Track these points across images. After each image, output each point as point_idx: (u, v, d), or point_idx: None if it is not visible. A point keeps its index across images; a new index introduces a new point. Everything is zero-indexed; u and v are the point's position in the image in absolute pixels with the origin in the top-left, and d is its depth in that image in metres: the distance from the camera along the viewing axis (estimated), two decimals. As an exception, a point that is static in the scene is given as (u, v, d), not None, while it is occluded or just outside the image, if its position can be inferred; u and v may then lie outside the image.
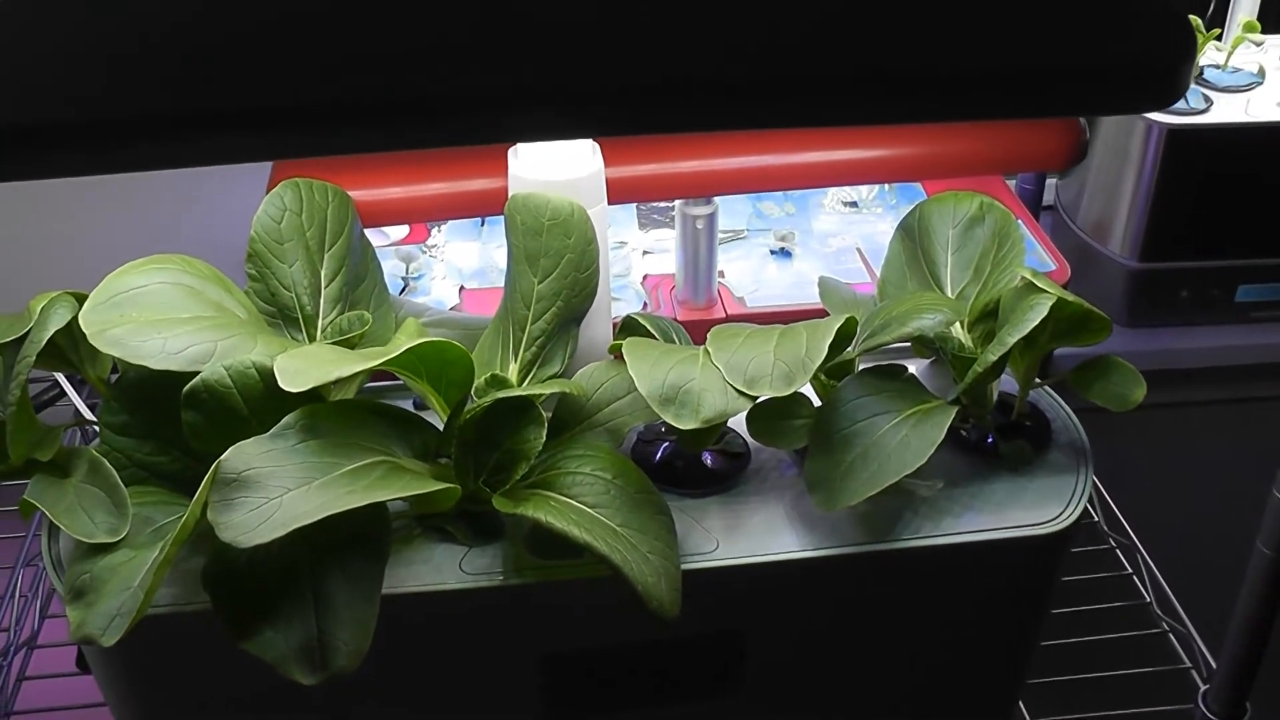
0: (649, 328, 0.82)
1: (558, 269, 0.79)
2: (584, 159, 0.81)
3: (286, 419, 0.69)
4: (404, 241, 1.20)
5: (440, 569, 0.76)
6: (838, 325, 0.74)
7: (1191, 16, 0.88)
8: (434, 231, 1.21)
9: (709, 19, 0.60)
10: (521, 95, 0.60)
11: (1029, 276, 0.79)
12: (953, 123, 0.82)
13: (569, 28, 0.60)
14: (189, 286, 0.75)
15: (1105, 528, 1.10)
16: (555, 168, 0.81)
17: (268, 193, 0.82)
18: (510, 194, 0.81)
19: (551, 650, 0.80)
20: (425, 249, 1.19)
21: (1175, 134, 1.25)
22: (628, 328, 0.83)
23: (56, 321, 0.73)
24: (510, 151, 0.83)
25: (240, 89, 0.61)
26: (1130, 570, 1.07)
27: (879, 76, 0.60)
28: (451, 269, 1.16)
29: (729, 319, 1.07)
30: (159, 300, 0.74)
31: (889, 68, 0.61)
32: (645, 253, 1.18)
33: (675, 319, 1.08)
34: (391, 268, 1.14)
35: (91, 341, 0.71)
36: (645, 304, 1.11)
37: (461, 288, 1.14)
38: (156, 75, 0.61)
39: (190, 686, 0.80)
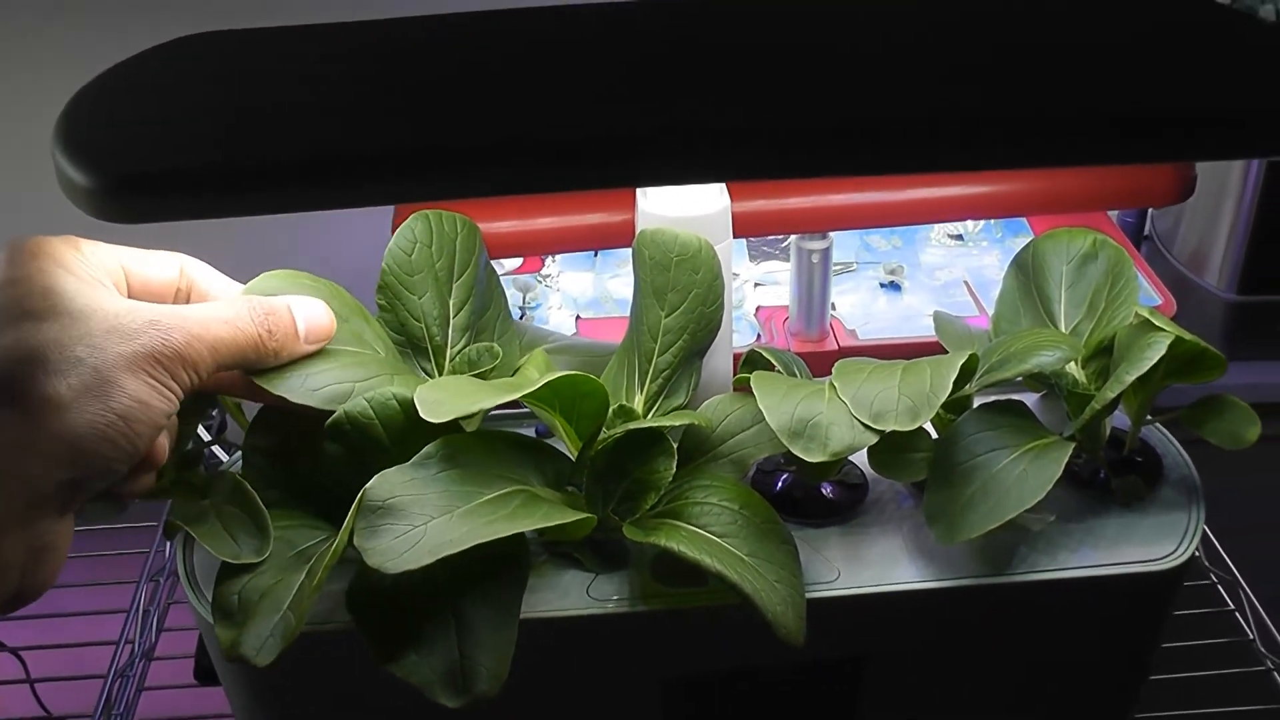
0: (772, 361, 0.83)
1: (685, 303, 0.81)
2: (711, 196, 0.83)
3: (427, 449, 0.72)
4: (518, 271, 1.22)
5: (568, 594, 0.78)
6: (961, 362, 0.75)
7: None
8: (548, 262, 1.23)
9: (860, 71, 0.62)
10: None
11: (1145, 314, 0.80)
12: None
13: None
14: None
15: (1206, 563, 1.10)
16: (683, 204, 0.82)
17: (393, 221, 0.84)
18: (638, 229, 0.83)
19: (675, 675, 0.81)
20: (540, 278, 1.21)
21: (1276, 164, 1.24)
22: (751, 361, 0.85)
23: None
24: (639, 190, 0.84)
25: (384, 135, 0.64)
26: (1232, 606, 1.07)
27: (1039, 120, 0.61)
28: (567, 298, 1.19)
29: (841, 351, 1.08)
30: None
31: (1052, 111, 0.62)
32: (757, 284, 1.20)
33: (789, 351, 1.10)
34: (510, 297, 1.16)
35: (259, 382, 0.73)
36: (759, 335, 1.13)
37: (578, 317, 1.16)
38: (306, 126, 0.64)
39: (321, 703, 0.82)
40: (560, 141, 0.63)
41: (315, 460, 0.76)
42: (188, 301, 0.74)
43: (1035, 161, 0.63)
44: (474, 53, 0.73)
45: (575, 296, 1.19)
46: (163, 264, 0.73)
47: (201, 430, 0.85)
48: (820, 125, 0.63)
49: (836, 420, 0.74)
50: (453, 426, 0.73)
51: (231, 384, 0.75)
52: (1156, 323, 0.79)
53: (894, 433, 0.74)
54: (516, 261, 1.24)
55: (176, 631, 1.20)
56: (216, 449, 0.91)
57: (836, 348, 1.10)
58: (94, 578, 1.24)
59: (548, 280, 1.22)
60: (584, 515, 0.72)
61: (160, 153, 0.65)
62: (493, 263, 1.21)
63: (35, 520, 0.62)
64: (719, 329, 0.83)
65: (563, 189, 0.67)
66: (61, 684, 1.19)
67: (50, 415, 0.61)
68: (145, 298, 0.71)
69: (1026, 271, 0.90)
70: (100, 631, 1.17)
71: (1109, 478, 0.85)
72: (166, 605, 1.23)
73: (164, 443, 0.72)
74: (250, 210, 0.65)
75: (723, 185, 0.83)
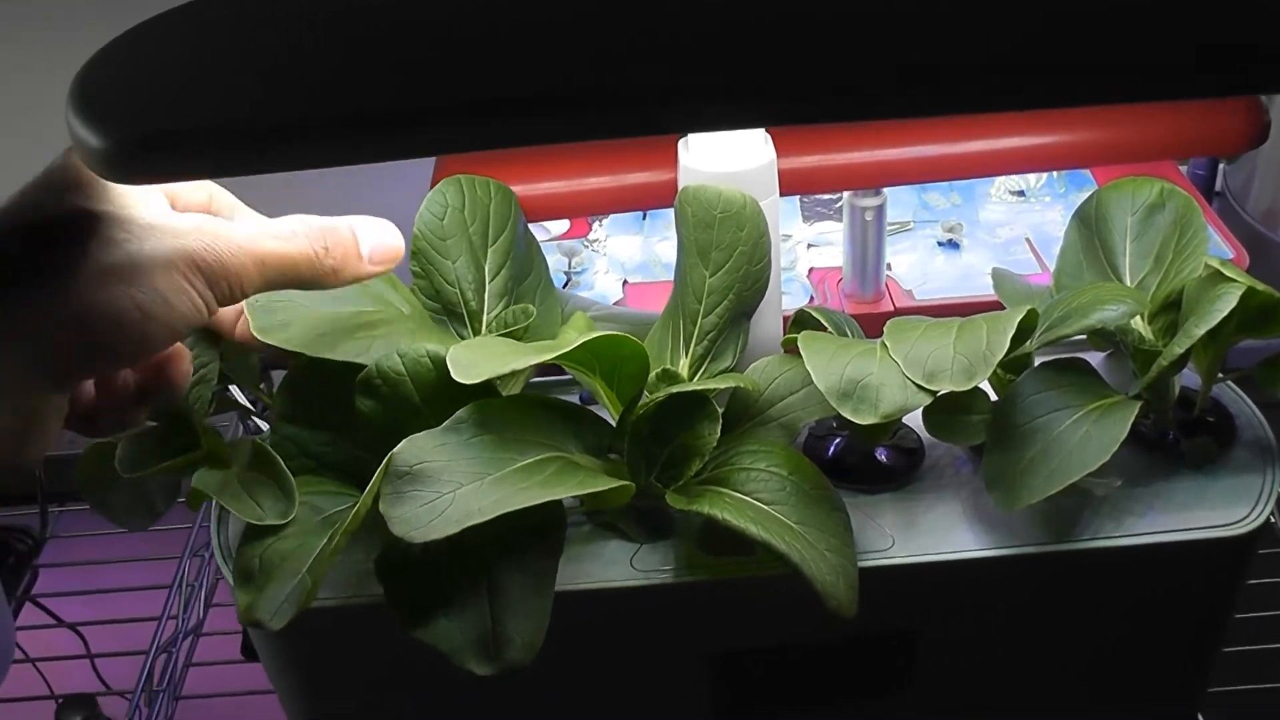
0: (823, 321, 0.80)
1: (729, 262, 0.78)
2: (756, 149, 0.79)
3: (459, 413, 0.69)
4: (565, 236, 1.19)
5: (611, 565, 0.76)
6: (1019, 318, 0.72)
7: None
8: (595, 226, 1.20)
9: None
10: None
11: (1215, 265, 0.76)
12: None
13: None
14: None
15: (1282, 530, 1.06)
16: (727, 159, 0.79)
17: (431, 188, 0.82)
18: (680, 186, 0.80)
19: (721, 648, 0.79)
20: (587, 243, 1.18)
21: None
22: (800, 322, 0.82)
23: None
24: (680, 143, 0.81)
25: (410, 85, 0.61)
26: (1311, 574, 1.03)
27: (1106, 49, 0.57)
28: (614, 263, 1.15)
29: (898, 312, 1.04)
30: (322, 292, 0.74)
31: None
32: (810, 245, 1.16)
33: (844, 313, 1.07)
34: (554, 263, 1.14)
35: (258, 336, 0.72)
36: (812, 297, 1.09)
37: (625, 281, 1.13)
38: (325, 77, 0.61)
39: (357, 677, 0.80)
40: (595, 87, 0.60)
41: (344, 425, 0.73)
42: None
43: (1105, 96, 0.59)
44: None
45: (623, 261, 1.16)
46: (196, 189, 0.71)
47: (235, 391, 0.84)
48: (869, 63, 0.59)
49: (888, 381, 0.71)
50: (488, 389, 0.71)
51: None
52: (1227, 273, 0.75)
53: (949, 394, 0.71)
54: (563, 226, 1.21)
55: (228, 607, 1.18)
56: (261, 422, 0.89)
57: (892, 309, 1.07)
58: (144, 553, 1.23)
59: (595, 245, 1.19)
60: (622, 483, 0.69)
61: (177, 110, 0.62)
62: (539, 226, 1.19)
63: (30, 388, 0.60)
64: (766, 289, 0.80)
65: (600, 135, 0.64)
66: (111, 659, 1.18)
67: (68, 283, 0.59)
68: None
69: (1089, 224, 0.86)
70: (151, 607, 1.16)
71: (1178, 439, 0.81)
72: (216, 581, 1.22)
73: (186, 368, 0.70)
74: (271, 167, 0.62)
75: (767, 137, 0.80)
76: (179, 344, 0.68)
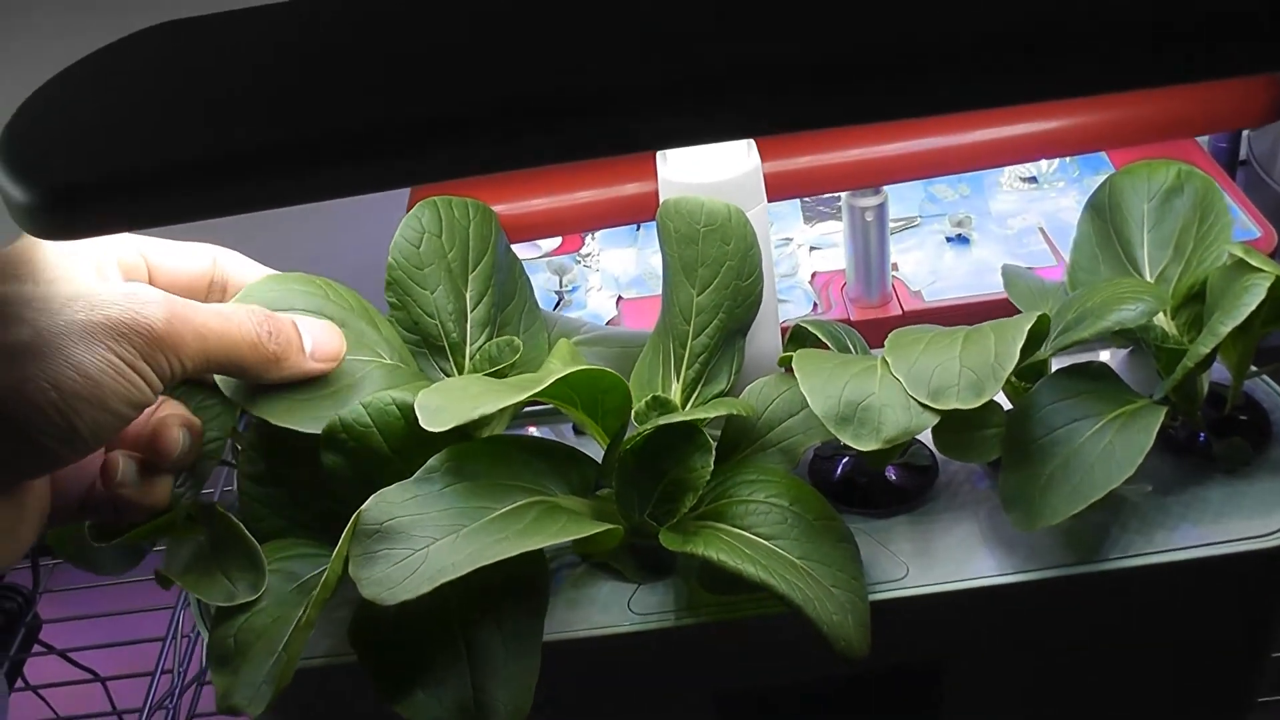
0: (820, 336, 0.75)
1: (717, 278, 0.74)
2: (738, 157, 0.75)
3: (431, 461, 0.65)
4: (556, 252, 1.15)
5: (607, 609, 0.71)
6: (1029, 325, 0.67)
7: None
8: (587, 240, 1.16)
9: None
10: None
11: (1239, 253, 0.71)
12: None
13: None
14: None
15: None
16: (708, 169, 0.75)
17: (408, 211, 0.79)
18: (661, 200, 0.76)
19: (728, 690, 0.75)
20: (579, 258, 1.14)
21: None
22: (797, 338, 0.77)
23: None
24: (658, 154, 0.77)
25: (368, 110, 0.57)
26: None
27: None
28: (607, 278, 1.11)
29: (906, 316, 1.00)
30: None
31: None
32: (812, 248, 1.12)
33: (849, 319, 1.02)
34: (545, 281, 1.09)
35: (219, 383, 0.68)
36: (815, 304, 1.05)
37: (619, 298, 1.08)
38: (284, 100, 0.57)
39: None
40: (558, 101, 0.55)
41: (316, 482, 0.69)
42: (223, 298, 0.69)
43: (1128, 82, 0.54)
44: (452, 12, 0.66)
45: (616, 276, 1.12)
46: (192, 255, 0.67)
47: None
48: (853, 60, 0.54)
49: (890, 401, 0.66)
50: (463, 433, 0.66)
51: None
52: (1253, 262, 0.70)
53: (956, 410, 0.66)
54: (554, 242, 1.17)
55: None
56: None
57: (900, 312, 1.02)
58: (140, 604, 1.20)
59: (588, 260, 1.14)
60: (607, 526, 0.65)
61: (106, 157, 0.58)
62: (529, 244, 1.14)
63: None
64: (759, 304, 0.75)
65: (570, 158, 0.59)
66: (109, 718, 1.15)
67: None
68: (172, 291, 0.64)
69: (1103, 213, 0.81)
70: (144, 662, 1.13)
71: (1209, 441, 0.76)
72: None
73: (173, 436, 0.65)
74: (209, 213, 0.58)
75: (750, 143, 0.76)
76: (168, 412, 0.65)
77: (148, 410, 0.62)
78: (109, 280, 0.61)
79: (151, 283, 0.64)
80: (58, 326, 0.56)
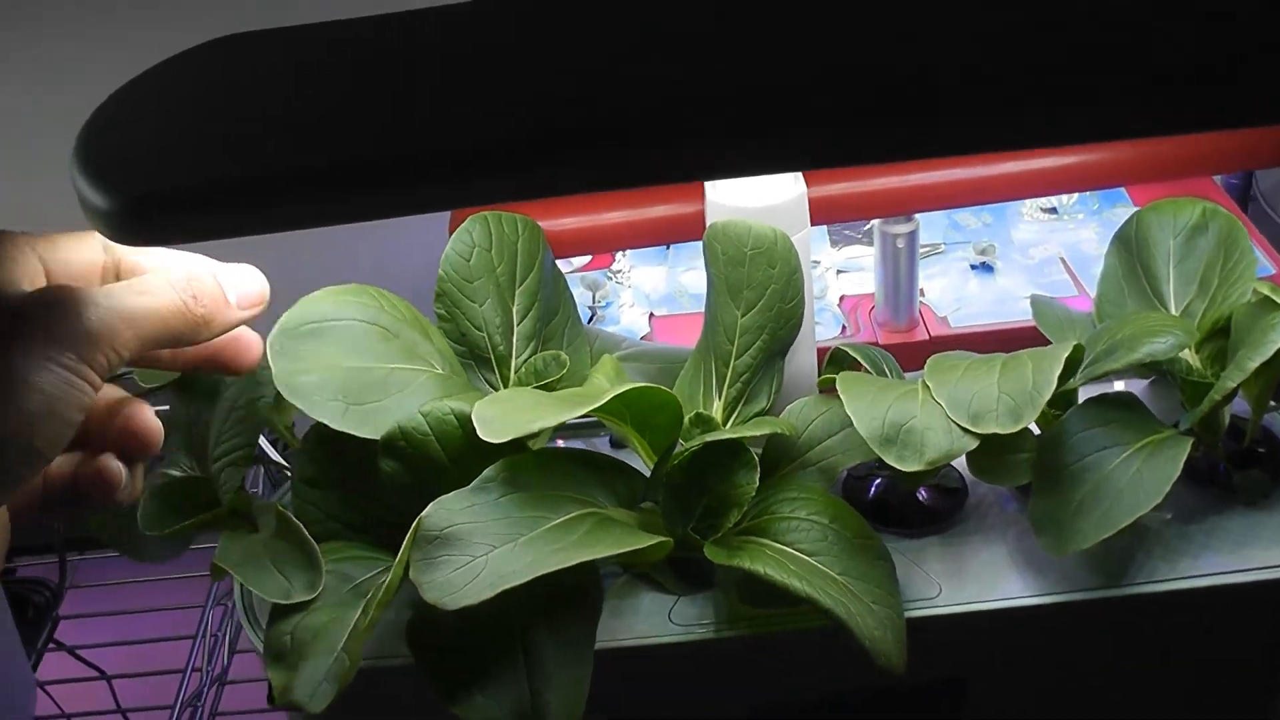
0: (859, 359, 0.78)
1: (762, 300, 0.76)
2: (785, 183, 0.77)
3: (487, 472, 0.67)
4: (587, 268, 1.17)
5: (649, 620, 0.73)
6: (1065, 354, 0.69)
7: None
8: (618, 257, 1.18)
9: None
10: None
11: (1266, 291, 0.74)
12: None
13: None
14: (384, 329, 0.73)
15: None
16: (756, 193, 0.77)
17: (451, 224, 0.80)
18: (709, 222, 0.78)
19: (765, 702, 0.76)
20: (610, 275, 1.16)
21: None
22: (836, 360, 0.79)
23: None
24: (707, 179, 0.79)
25: (434, 134, 0.59)
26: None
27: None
28: (639, 295, 1.13)
29: (933, 341, 1.02)
30: (350, 342, 0.72)
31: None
32: (840, 272, 1.14)
33: (876, 342, 1.04)
34: (578, 296, 1.11)
35: (278, 386, 0.69)
36: (844, 327, 1.07)
37: (651, 314, 1.10)
38: (343, 126, 0.59)
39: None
40: (605, 131, 0.57)
41: (370, 486, 0.71)
42: (116, 280, 0.66)
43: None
44: (497, 37, 0.67)
45: (648, 293, 1.14)
46: (83, 243, 0.64)
47: (264, 443, 0.81)
48: (875, 103, 0.56)
49: (932, 425, 0.68)
50: (516, 444, 0.68)
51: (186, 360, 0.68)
52: (1278, 299, 0.72)
53: (994, 434, 0.68)
54: (585, 258, 1.18)
55: (251, 653, 1.16)
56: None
57: (927, 337, 1.04)
58: (166, 601, 1.21)
59: (619, 276, 1.16)
60: (659, 539, 0.67)
61: (182, 168, 0.60)
62: (562, 260, 1.16)
63: None
64: (800, 326, 0.77)
65: (614, 186, 0.61)
66: (139, 713, 1.16)
67: None
68: (72, 283, 0.63)
69: (1130, 248, 0.83)
70: (177, 658, 1.14)
71: (1230, 472, 0.78)
72: (239, 628, 1.20)
73: (155, 423, 0.65)
74: (279, 226, 0.59)
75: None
76: (133, 407, 0.64)
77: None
78: (17, 286, 0.59)
79: (49, 278, 0.62)
80: (13, 362, 0.55)
